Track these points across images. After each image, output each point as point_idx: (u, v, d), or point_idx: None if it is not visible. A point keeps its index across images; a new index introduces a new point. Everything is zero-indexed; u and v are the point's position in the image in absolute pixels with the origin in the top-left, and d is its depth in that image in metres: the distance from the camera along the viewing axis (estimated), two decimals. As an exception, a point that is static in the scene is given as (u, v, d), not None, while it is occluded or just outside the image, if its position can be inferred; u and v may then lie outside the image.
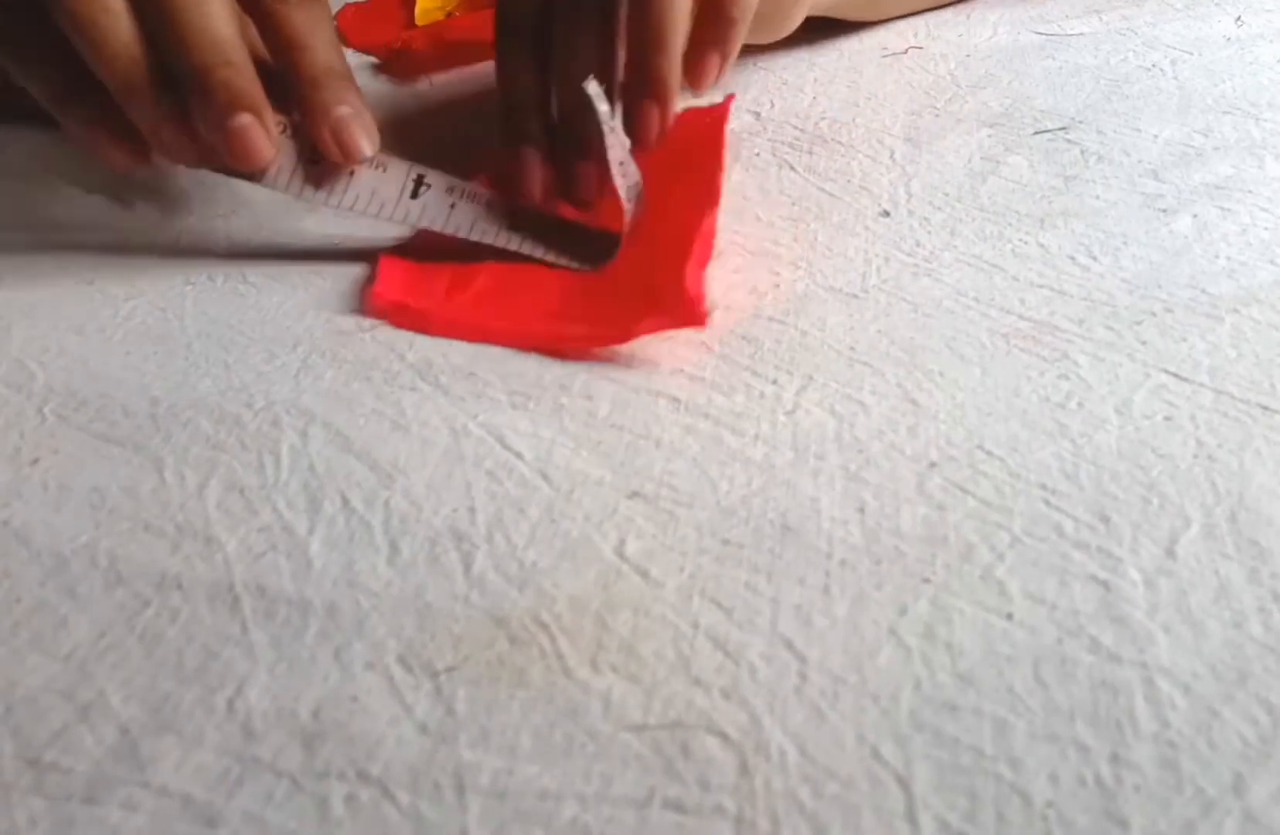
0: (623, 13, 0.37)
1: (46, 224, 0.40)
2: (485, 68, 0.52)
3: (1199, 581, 0.24)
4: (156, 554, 0.26)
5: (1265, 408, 0.28)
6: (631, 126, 0.36)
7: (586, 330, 0.33)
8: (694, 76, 0.38)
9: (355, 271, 0.36)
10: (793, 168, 0.42)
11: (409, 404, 0.30)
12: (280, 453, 0.29)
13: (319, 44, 0.34)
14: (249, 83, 0.33)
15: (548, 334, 0.33)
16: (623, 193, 0.35)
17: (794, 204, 0.39)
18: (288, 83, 0.34)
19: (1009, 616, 0.23)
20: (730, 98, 0.41)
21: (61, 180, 0.43)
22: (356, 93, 0.35)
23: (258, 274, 0.37)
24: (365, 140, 0.35)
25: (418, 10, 0.55)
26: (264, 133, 0.33)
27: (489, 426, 0.29)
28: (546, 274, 0.35)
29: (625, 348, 0.32)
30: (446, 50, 0.51)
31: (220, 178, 0.39)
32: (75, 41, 0.32)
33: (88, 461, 0.29)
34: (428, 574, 0.25)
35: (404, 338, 0.33)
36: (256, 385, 0.31)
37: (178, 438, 0.30)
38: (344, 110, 0.34)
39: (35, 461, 0.29)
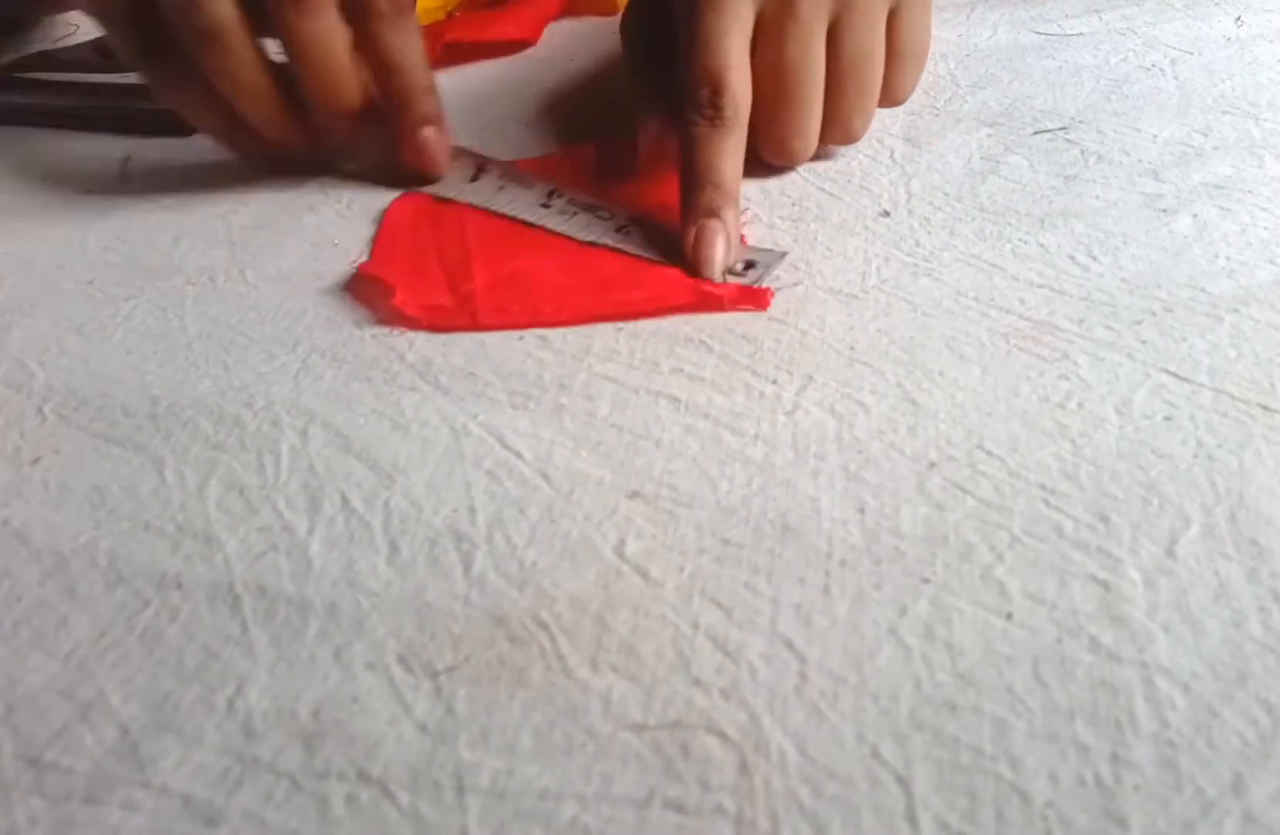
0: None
1: (46, 223, 0.40)
2: (485, 67, 0.52)
3: (1199, 581, 0.24)
4: (156, 554, 0.26)
5: (1265, 408, 0.28)
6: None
7: (646, 295, 0.34)
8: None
9: (355, 271, 0.36)
10: (793, 168, 0.42)
11: (409, 404, 0.30)
12: (280, 453, 0.29)
13: (410, 65, 0.38)
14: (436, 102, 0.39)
15: (608, 304, 0.34)
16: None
17: (794, 204, 0.39)
18: (381, 97, 0.38)
19: (1009, 616, 0.23)
20: None
21: (62, 180, 0.43)
22: (439, 110, 0.39)
23: (258, 274, 0.37)
24: (443, 161, 0.40)
25: (418, 10, 0.55)
26: (445, 144, 0.39)
27: (489, 426, 0.29)
28: (543, 268, 0.36)
29: (626, 347, 0.32)
30: (446, 50, 0.51)
31: (219, 179, 0.39)
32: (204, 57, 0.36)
33: (88, 461, 0.29)
34: (428, 574, 0.25)
35: (404, 338, 0.33)
36: (256, 385, 0.31)
37: (178, 437, 0.30)
38: (428, 133, 0.39)
39: (35, 461, 0.29)
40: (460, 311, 0.34)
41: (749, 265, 0.35)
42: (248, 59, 0.36)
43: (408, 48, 0.38)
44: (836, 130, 0.40)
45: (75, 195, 0.42)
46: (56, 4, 0.52)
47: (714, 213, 0.35)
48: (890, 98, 0.41)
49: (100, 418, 0.30)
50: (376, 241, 0.38)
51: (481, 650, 0.23)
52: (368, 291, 0.35)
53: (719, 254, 0.35)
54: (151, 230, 0.39)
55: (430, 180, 0.40)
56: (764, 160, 0.40)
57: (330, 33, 0.37)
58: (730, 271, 0.35)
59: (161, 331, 0.34)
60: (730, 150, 0.36)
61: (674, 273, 0.35)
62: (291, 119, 0.39)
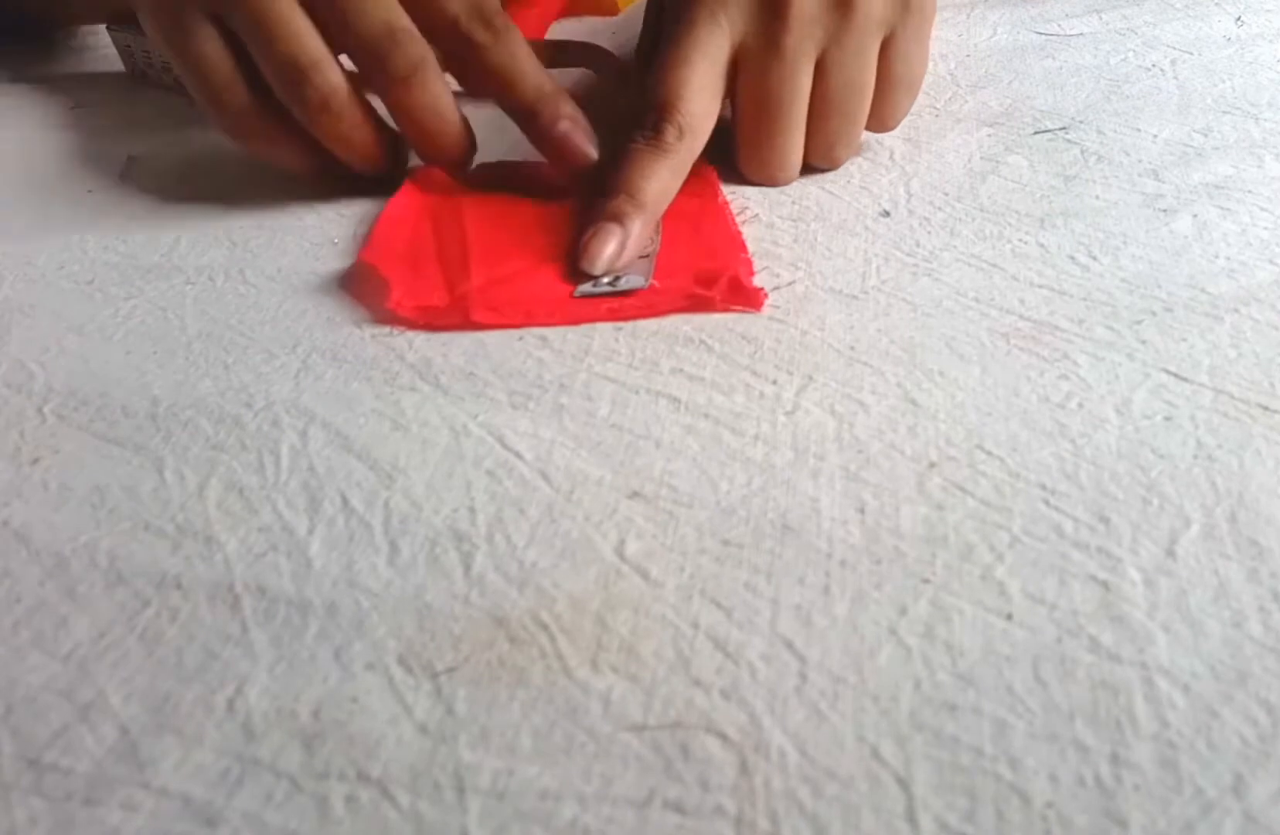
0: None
1: (46, 223, 0.40)
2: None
3: (1199, 581, 0.24)
4: (156, 554, 0.26)
5: (1265, 408, 0.28)
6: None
7: (639, 301, 0.34)
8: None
9: (355, 271, 0.37)
10: (793, 168, 0.42)
11: (409, 404, 0.30)
12: (280, 453, 0.29)
13: (523, 74, 0.38)
14: (560, 101, 0.38)
15: (600, 310, 0.34)
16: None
17: (794, 204, 0.39)
18: (506, 110, 0.39)
19: (1009, 616, 0.23)
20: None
21: (62, 180, 0.43)
22: (569, 103, 0.38)
23: (258, 274, 0.37)
24: (589, 146, 0.38)
25: None
26: (586, 131, 0.39)
27: (489, 426, 0.29)
28: (540, 272, 0.36)
29: (626, 347, 0.32)
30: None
31: (219, 179, 0.39)
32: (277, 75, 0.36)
33: (88, 461, 0.29)
34: (428, 574, 0.25)
35: (404, 338, 0.33)
36: (256, 385, 0.31)
37: (178, 437, 0.30)
38: (562, 126, 0.38)
39: (35, 461, 0.29)
40: (454, 311, 0.34)
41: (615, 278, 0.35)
42: (359, 121, 0.38)
43: (515, 63, 0.38)
44: (818, 156, 0.41)
45: (75, 195, 0.42)
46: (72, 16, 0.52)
47: (618, 217, 0.36)
48: (880, 124, 0.41)
49: (100, 418, 0.30)
50: (374, 233, 0.38)
51: (481, 650, 0.23)
52: (368, 291, 0.35)
53: (607, 253, 0.35)
54: (151, 230, 0.39)
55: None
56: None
57: (437, 100, 0.38)
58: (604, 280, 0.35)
59: (161, 331, 0.34)
60: (658, 172, 0.37)
61: (668, 283, 0.35)
62: (393, 160, 0.40)
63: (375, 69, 0.37)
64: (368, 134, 0.38)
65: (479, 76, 0.38)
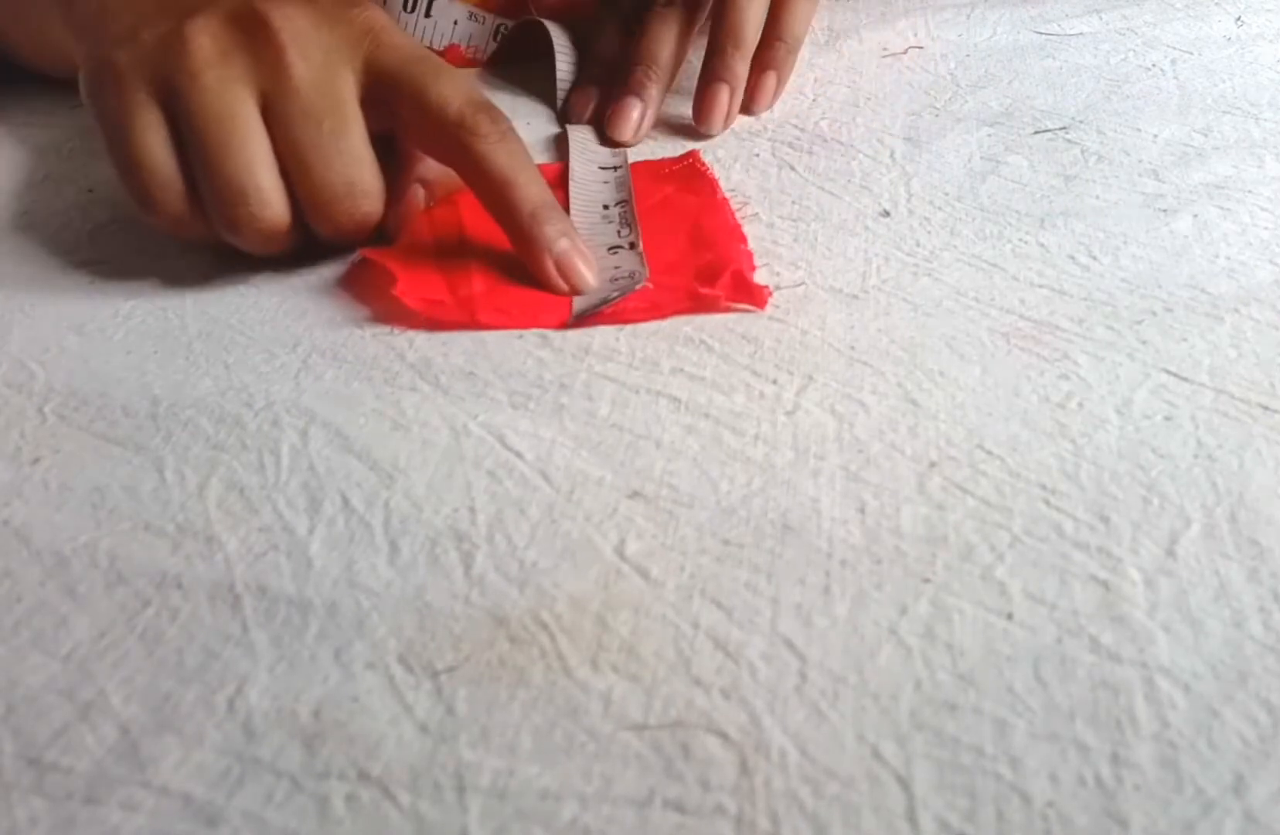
0: (703, 15, 0.46)
1: (46, 223, 0.40)
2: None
3: (1199, 581, 0.24)
4: (157, 553, 0.26)
5: (1265, 407, 0.28)
6: (701, 109, 0.44)
7: (642, 304, 0.34)
8: (754, 95, 0.46)
9: (355, 271, 0.36)
10: (793, 168, 0.42)
11: (409, 404, 0.30)
12: (280, 452, 0.29)
13: (527, 179, 0.35)
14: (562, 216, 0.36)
15: (603, 314, 0.33)
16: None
17: (794, 204, 0.39)
18: (499, 218, 0.36)
19: (1009, 616, 0.23)
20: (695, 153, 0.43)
21: (62, 180, 0.43)
22: (568, 222, 0.36)
23: (258, 274, 0.37)
24: (587, 271, 0.35)
25: None
26: (589, 265, 0.35)
27: (489, 426, 0.29)
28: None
29: (627, 347, 0.32)
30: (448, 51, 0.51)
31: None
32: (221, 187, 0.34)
33: (88, 461, 0.29)
34: (428, 574, 0.25)
35: (404, 337, 0.33)
36: (257, 385, 0.31)
37: (178, 437, 0.30)
38: (564, 244, 0.35)
39: (36, 461, 0.29)
40: (460, 309, 0.34)
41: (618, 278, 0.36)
42: (287, 244, 0.36)
43: (519, 163, 0.35)
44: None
45: (75, 195, 0.42)
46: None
47: (636, 91, 0.43)
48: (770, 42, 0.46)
49: (100, 418, 0.30)
50: None
51: (482, 650, 0.23)
52: (368, 291, 0.35)
53: (632, 119, 0.43)
54: (151, 230, 0.39)
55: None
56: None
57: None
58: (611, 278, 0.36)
59: (162, 331, 0.34)
60: (669, 38, 0.44)
61: (671, 279, 0.35)
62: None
63: (322, 218, 0.35)
64: (286, 239, 0.36)
65: (480, 175, 0.35)
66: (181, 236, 0.36)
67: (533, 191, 0.35)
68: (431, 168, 0.37)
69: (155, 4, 0.36)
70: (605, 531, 0.26)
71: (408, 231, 0.37)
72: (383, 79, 0.35)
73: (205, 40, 0.34)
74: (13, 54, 0.49)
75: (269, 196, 0.34)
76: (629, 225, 0.38)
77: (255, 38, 0.34)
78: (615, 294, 0.34)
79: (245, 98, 0.34)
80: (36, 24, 0.45)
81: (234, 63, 0.34)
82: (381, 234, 0.37)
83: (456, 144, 0.35)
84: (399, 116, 0.35)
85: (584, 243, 0.36)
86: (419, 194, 0.38)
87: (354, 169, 0.35)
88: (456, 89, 0.35)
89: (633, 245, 0.37)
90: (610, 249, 0.37)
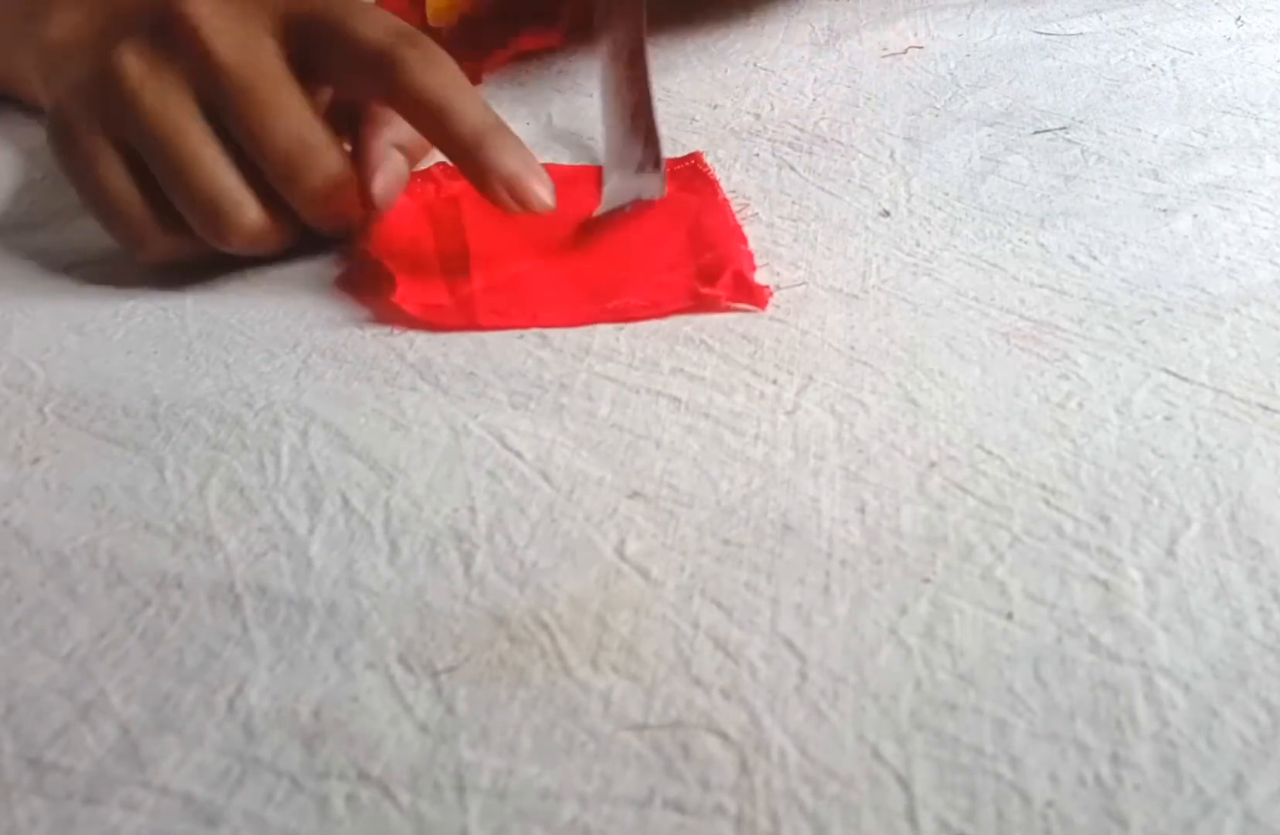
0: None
1: (46, 223, 0.40)
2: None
3: (1199, 581, 0.24)
4: (157, 553, 0.26)
5: (1265, 407, 0.28)
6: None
7: (644, 301, 0.34)
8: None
9: (355, 272, 0.36)
10: (793, 168, 0.42)
11: (409, 404, 0.30)
12: (280, 452, 0.29)
13: (464, 102, 0.34)
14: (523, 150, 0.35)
15: (605, 311, 0.34)
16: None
17: (794, 204, 0.39)
18: (440, 147, 0.34)
19: (1009, 616, 0.23)
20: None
21: (62, 180, 0.43)
22: (517, 141, 0.34)
23: (258, 274, 0.37)
24: (542, 189, 0.34)
25: (429, 10, 0.55)
26: (544, 185, 0.34)
27: (489, 426, 0.29)
28: (541, 274, 0.36)
29: (627, 347, 0.32)
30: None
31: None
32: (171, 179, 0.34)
33: (88, 461, 0.29)
34: (428, 574, 0.25)
35: (404, 337, 0.33)
36: (257, 385, 0.31)
37: (178, 437, 0.30)
38: (513, 165, 0.33)
39: (36, 461, 0.29)
40: (459, 312, 0.34)
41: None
42: (276, 245, 0.36)
43: (453, 88, 0.34)
44: None
45: (75, 195, 0.42)
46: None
47: None
48: None
49: (100, 418, 0.30)
50: (374, 230, 0.37)
51: (482, 650, 0.23)
52: (367, 290, 0.35)
53: None
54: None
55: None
56: None
57: (355, 210, 0.36)
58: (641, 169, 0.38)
59: (162, 331, 0.34)
60: None
61: (671, 278, 0.35)
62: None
63: (291, 186, 0.34)
64: (284, 241, 0.36)
65: (410, 103, 0.34)
66: (181, 261, 0.36)
67: (471, 114, 0.34)
68: (402, 130, 0.36)
69: (90, 36, 0.36)
70: (605, 531, 0.26)
71: (400, 201, 0.37)
72: (302, 31, 0.34)
73: (133, 60, 0.34)
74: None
75: (239, 197, 0.34)
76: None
77: (175, 37, 0.34)
78: (629, 202, 0.36)
79: (185, 104, 0.34)
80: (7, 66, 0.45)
81: (164, 72, 0.34)
82: (371, 215, 0.36)
83: (382, 78, 0.34)
84: (329, 65, 0.35)
85: (535, 160, 0.34)
86: (396, 158, 0.37)
87: (298, 127, 0.34)
88: (375, 22, 0.34)
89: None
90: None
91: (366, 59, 0.34)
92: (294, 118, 0.34)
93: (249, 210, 0.34)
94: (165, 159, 0.34)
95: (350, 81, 0.36)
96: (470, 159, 0.34)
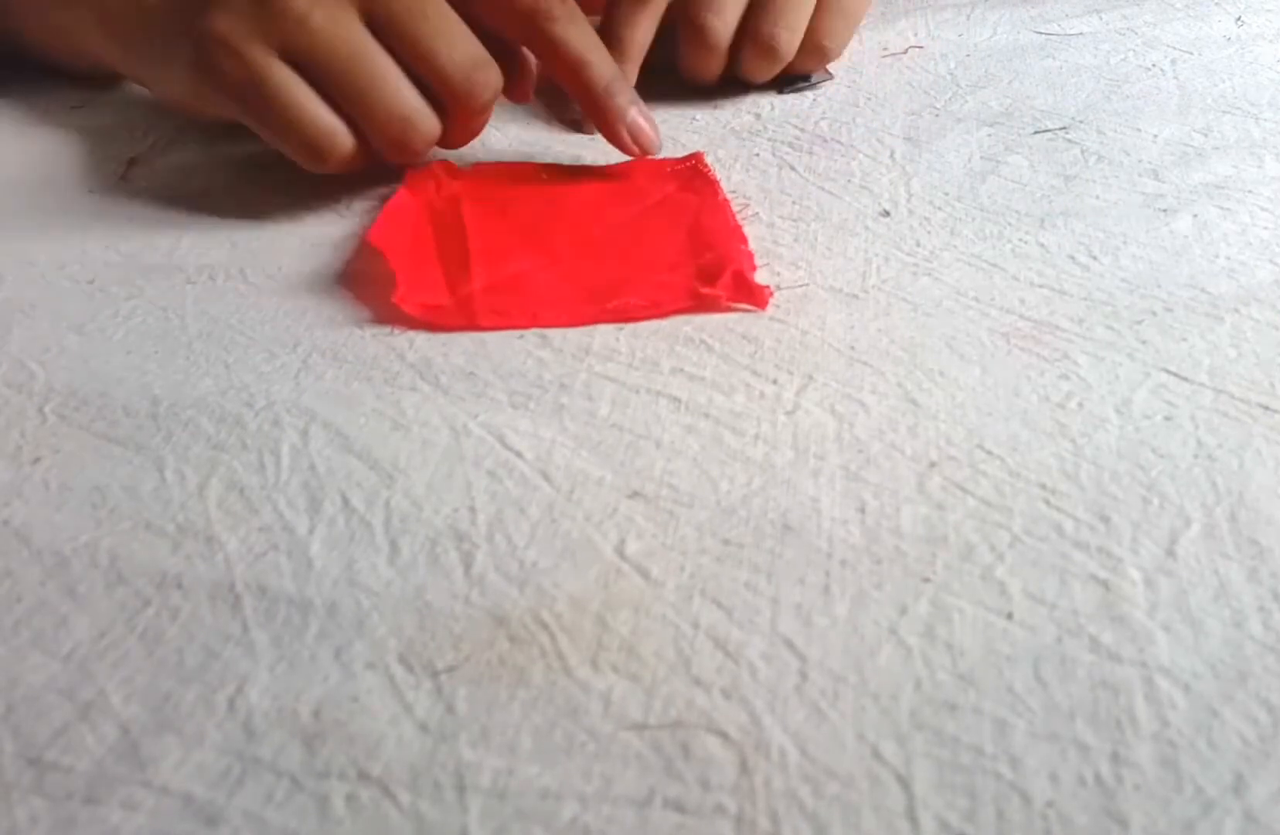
0: None
1: (46, 223, 0.40)
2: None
3: (1199, 581, 0.24)
4: (157, 553, 0.26)
5: (1265, 407, 0.28)
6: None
7: (644, 301, 0.34)
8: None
9: (356, 271, 0.37)
10: (793, 168, 0.42)
11: (409, 404, 0.30)
12: (281, 452, 0.29)
13: (599, 58, 0.39)
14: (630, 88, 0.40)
15: (606, 311, 0.34)
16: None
17: (794, 204, 0.39)
18: (575, 93, 0.40)
19: (1009, 616, 0.23)
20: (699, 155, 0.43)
21: (62, 180, 0.43)
22: (634, 93, 0.40)
23: (258, 274, 0.37)
24: (654, 134, 0.40)
25: None
26: (658, 133, 0.40)
27: (489, 426, 0.29)
28: (542, 273, 0.36)
29: (627, 347, 0.32)
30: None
31: (220, 178, 0.39)
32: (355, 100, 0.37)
33: (88, 461, 0.29)
34: (428, 573, 0.25)
35: (404, 337, 0.33)
36: (257, 385, 0.31)
37: (178, 437, 0.30)
38: (634, 112, 0.40)
39: (36, 461, 0.29)
40: (459, 312, 0.34)
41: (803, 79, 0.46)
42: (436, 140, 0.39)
43: (588, 42, 0.39)
44: (759, 44, 0.46)
45: (75, 195, 0.42)
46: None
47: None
48: (814, 44, 0.47)
49: (101, 417, 0.30)
50: (380, 219, 0.38)
51: (482, 650, 0.23)
52: (367, 290, 0.35)
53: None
54: (152, 230, 0.39)
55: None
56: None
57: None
58: (787, 84, 0.47)
59: (162, 331, 0.34)
60: (640, 21, 0.45)
61: (671, 278, 0.35)
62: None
63: (469, 100, 0.38)
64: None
65: (554, 53, 0.39)
66: (344, 171, 0.39)
67: (605, 69, 0.39)
68: None
69: None
70: (605, 531, 0.26)
71: (401, 199, 0.39)
72: None
73: None
74: (34, 49, 0.50)
75: (425, 113, 0.37)
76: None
77: None
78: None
79: (356, 24, 0.36)
80: (61, 23, 0.46)
81: None
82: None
83: (531, 27, 0.38)
84: (482, 4, 0.38)
85: (647, 109, 0.40)
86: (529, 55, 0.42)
87: (470, 44, 0.38)
88: None
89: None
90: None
91: (515, 9, 0.38)
92: (462, 35, 0.38)
93: (432, 124, 0.38)
94: (349, 79, 0.36)
95: (498, 22, 0.39)
96: (601, 107, 0.39)
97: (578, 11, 0.39)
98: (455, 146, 0.41)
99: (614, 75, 0.39)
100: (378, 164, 0.39)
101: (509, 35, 0.39)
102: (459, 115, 0.39)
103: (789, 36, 0.45)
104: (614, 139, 0.40)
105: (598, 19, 0.45)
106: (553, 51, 0.39)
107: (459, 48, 0.37)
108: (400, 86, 0.37)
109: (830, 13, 0.46)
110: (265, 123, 0.37)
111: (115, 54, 0.43)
